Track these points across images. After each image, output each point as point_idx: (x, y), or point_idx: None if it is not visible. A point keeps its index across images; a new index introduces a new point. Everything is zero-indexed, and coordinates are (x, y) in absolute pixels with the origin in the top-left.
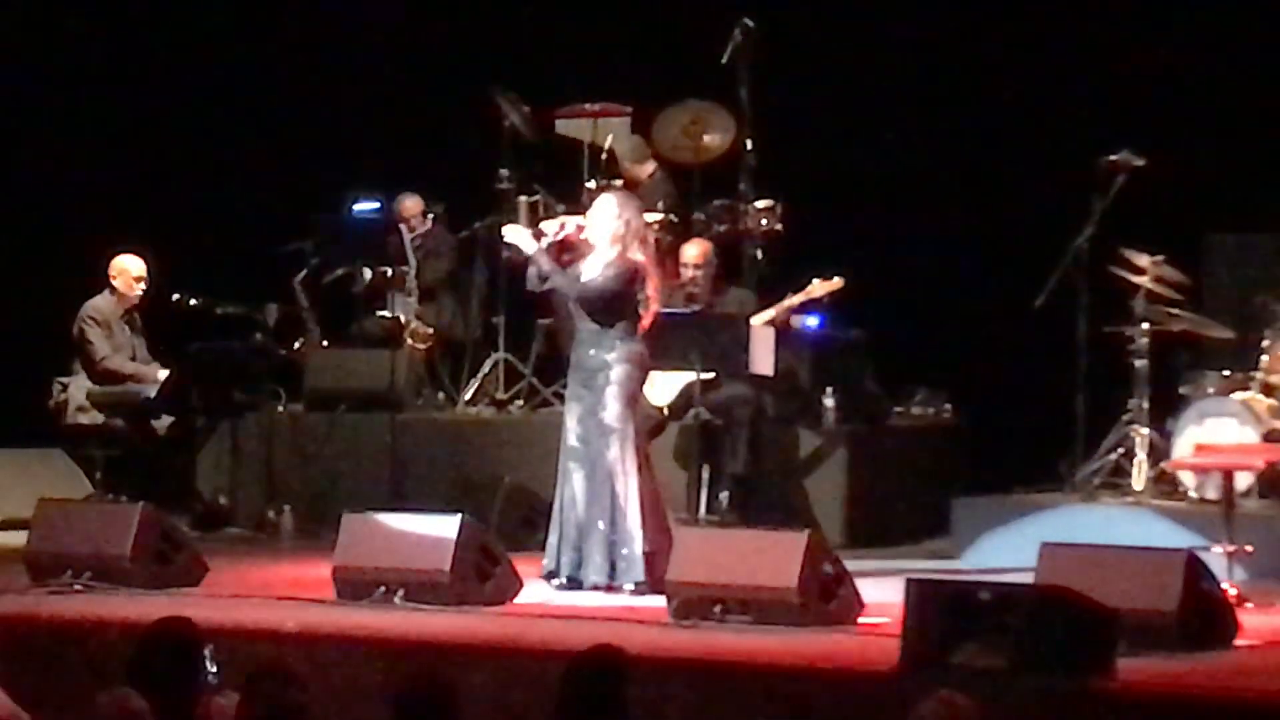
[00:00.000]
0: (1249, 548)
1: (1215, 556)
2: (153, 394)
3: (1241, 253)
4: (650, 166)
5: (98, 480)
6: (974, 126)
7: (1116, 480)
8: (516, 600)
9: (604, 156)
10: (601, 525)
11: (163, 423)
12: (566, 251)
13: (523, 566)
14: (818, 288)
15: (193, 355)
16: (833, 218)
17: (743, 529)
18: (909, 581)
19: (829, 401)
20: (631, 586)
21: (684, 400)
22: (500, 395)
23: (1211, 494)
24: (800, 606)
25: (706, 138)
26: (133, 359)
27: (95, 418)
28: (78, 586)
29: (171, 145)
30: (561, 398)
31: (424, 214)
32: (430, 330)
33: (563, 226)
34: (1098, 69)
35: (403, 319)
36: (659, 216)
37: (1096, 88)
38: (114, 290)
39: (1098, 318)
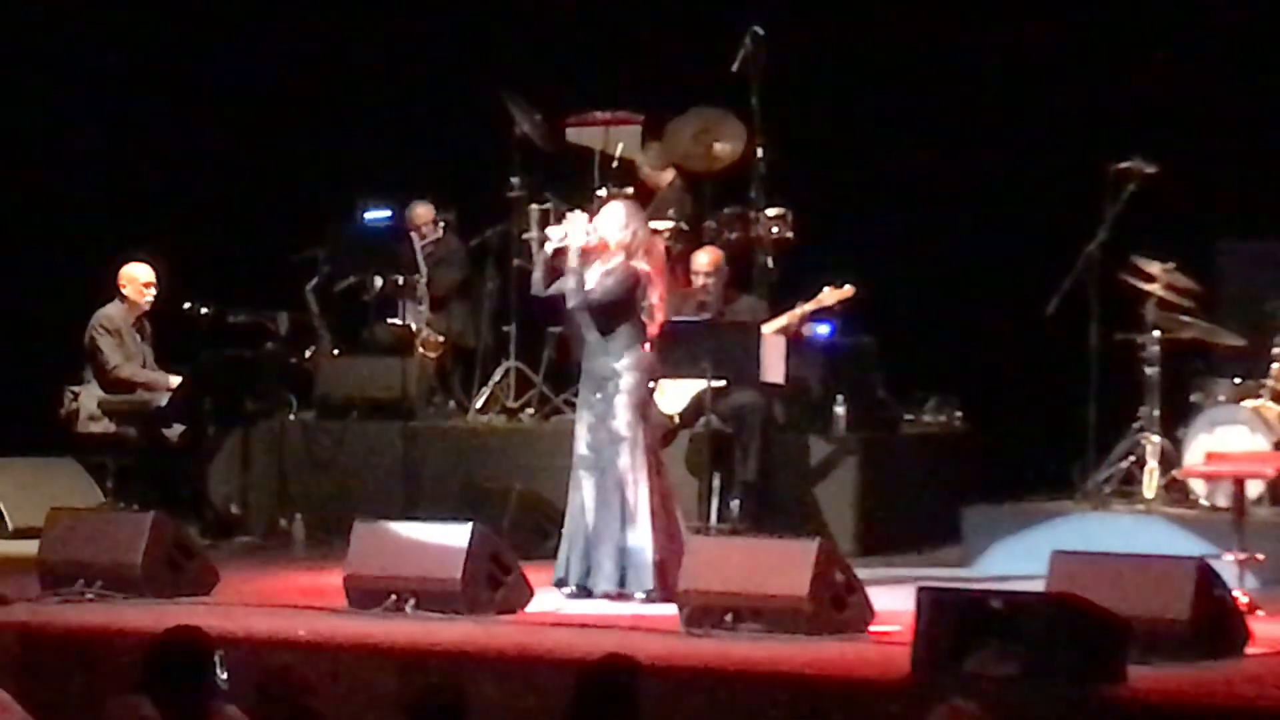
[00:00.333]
0: (1260, 555)
1: (1226, 564)
2: (164, 402)
3: (1253, 260)
4: (670, 174)
5: (109, 489)
6: (985, 134)
7: (1127, 488)
8: (528, 609)
9: (615, 164)
10: (612, 534)
11: (174, 431)
12: (584, 253)
13: (534, 575)
14: (829, 296)
15: (204, 363)
16: (843, 225)
17: (754, 537)
18: (920, 590)
19: (840, 409)
20: (642, 595)
21: (695, 408)
22: (511, 403)
23: (1222, 502)
24: (812, 615)
25: (717, 146)
26: (144, 367)
27: (107, 426)
28: (89, 595)
29: (183, 154)
30: (573, 406)
31: (435, 222)
32: (441, 338)
33: (566, 236)
34: (1109, 76)
35: (414, 327)
36: (670, 224)
37: (1108, 95)
38: (124, 299)
39: (1109, 325)
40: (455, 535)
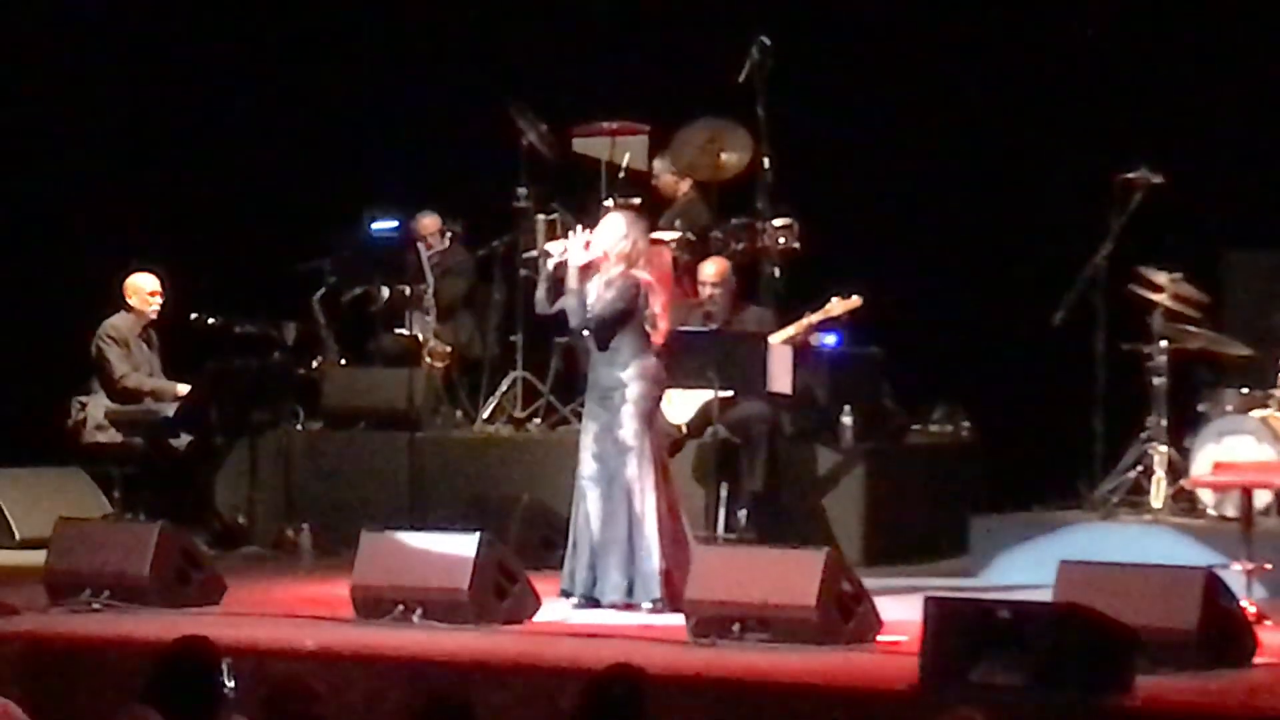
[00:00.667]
0: (1268, 565)
1: (1234, 574)
2: (171, 412)
3: (1260, 270)
4: (686, 183)
5: (116, 499)
6: (991, 144)
7: (1135, 498)
8: (535, 619)
9: (622, 174)
10: (619, 544)
11: (181, 441)
12: (584, 271)
13: (541, 585)
14: (836, 306)
15: (211, 374)
16: (850, 236)
17: (761, 547)
18: (928, 599)
19: (847, 419)
20: (649, 605)
21: (702, 418)
22: (518, 413)
23: (1230, 511)
24: (819, 625)
25: (724, 156)
26: (151, 377)
27: (114, 436)
28: (97, 605)
29: (189, 164)
30: (579, 416)
31: (442, 232)
32: (448, 348)
33: (588, 247)
34: (1115, 86)
35: (421, 337)
36: (676, 235)
37: (1114, 105)
38: (130, 309)
39: (1116, 335)
40: (462, 545)
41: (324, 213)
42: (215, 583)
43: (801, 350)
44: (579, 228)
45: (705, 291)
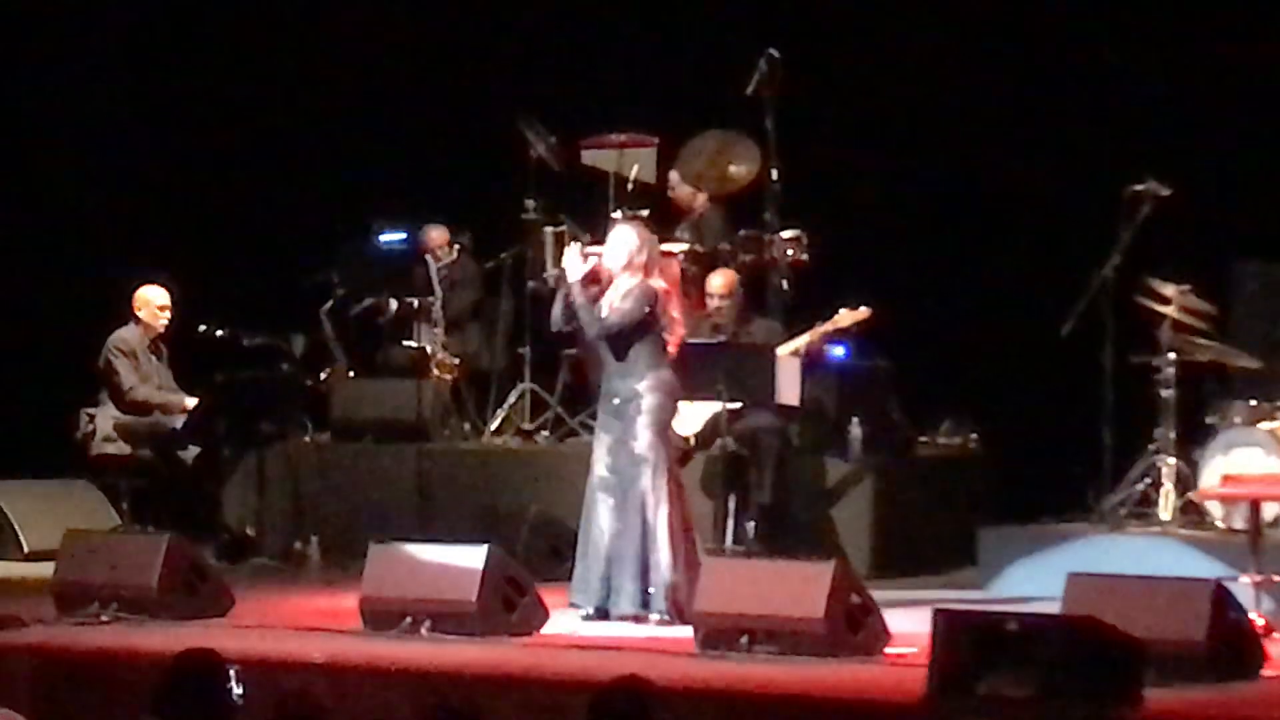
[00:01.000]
0: (1276, 577)
1: (1242, 586)
2: (179, 424)
3: (1268, 282)
4: (703, 196)
5: (124, 511)
6: (999, 156)
7: (1143, 510)
8: (543, 631)
9: (630, 186)
10: (632, 555)
11: (189, 453)
12: (593, 284)
13: (549, 597)
14: (844, 318)
15: (219, 386)
16: (858, 248)
17: (769, 559)
18: (936, 611)
19: (855, 431)
20: (657, 617)
21: (710, 430)
22: (526, 425)
23: (1238, 524)
24: (827, 637)
25: (732, 168)
26: (159, 389)
27: (122, 448)
28: (105, 618)
29: (197, 177)
30: (587, 428)
31: (450, 244)
32: (456, 360)
33: (585, 259)
34: (1123, 98)
35: (429, 349)
36: (685, 246)
37: (1122, 117)
38: (139, 321)
39: (1124, 347)
40: (470, 557)
41: (332, 225)
42: (223, 594)
43: (810, 362)
44: (579, 243)
45: (713, 303)
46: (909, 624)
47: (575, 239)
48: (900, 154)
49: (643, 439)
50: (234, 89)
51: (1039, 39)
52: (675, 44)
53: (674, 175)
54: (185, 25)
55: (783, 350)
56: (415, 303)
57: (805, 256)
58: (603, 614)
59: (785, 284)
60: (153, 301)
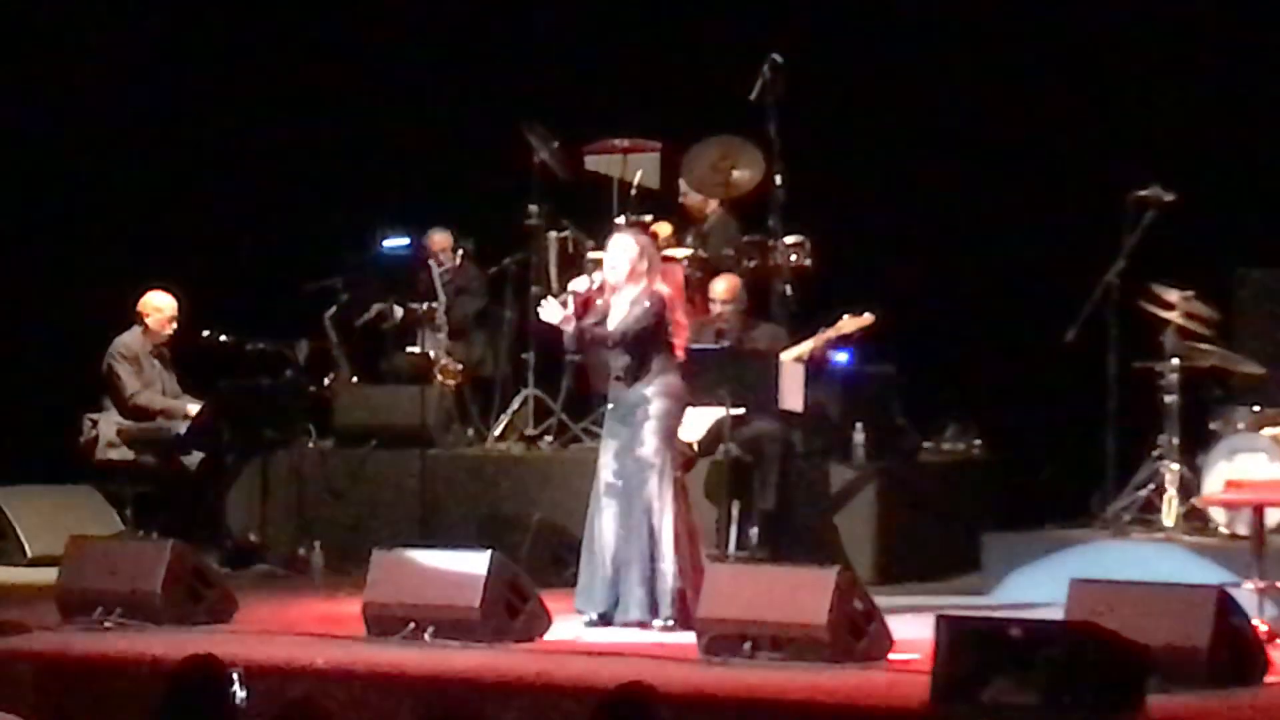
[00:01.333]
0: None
1: (1246, 593)
2: (183, 430)
3: (1272, 288)
4: (715, 202)
5: (128, 517)
6: (1004, 161)
7: (1147, 516)
8: (546, 637)
9: (634, 192)
10: (639, 561)
11: (193, 459)
12: (589, 308)
13: (552, 603)
14: (848, 324)
15: (223, 392)
16: (862, 253)
17: (773, 565)
18: (939, 618)
19: (859, 437)
20: (661, 623)
21: (714, 436)
22: (530, 431)
23: (1242, 530)
24: (830, 643)
25: (735, 173)
26: (163, 395)
27: (125, 454)
28: (108, 624)
29: (202, 182)
30: (591, 434)
31: (453, 249)
32: (460, 366)
33: (592, 283)
34: (1127, 104)
35: (432, 355)
36: (689, 252)
37: (1126, 123)
38: (144, 327)
39: (1128, 353)
40: (474, 563)
41: (336, 231)
42: (227, 601)
43: (814, 368)
44: (551, 298)
45: (716, 309)
46: (912, 630)
47: (579, 244)
48: (904, 159)
49: (650, 444)
50: (238, 95)
51: (1043, 45)
52: (679, 49)
53: (683, 182)
54: (190, 32)
55: (786, 356)
56: (421, 308)
57: (809, 262)
58: (606, 620)
59: (789, 289)
60: (160, 308)
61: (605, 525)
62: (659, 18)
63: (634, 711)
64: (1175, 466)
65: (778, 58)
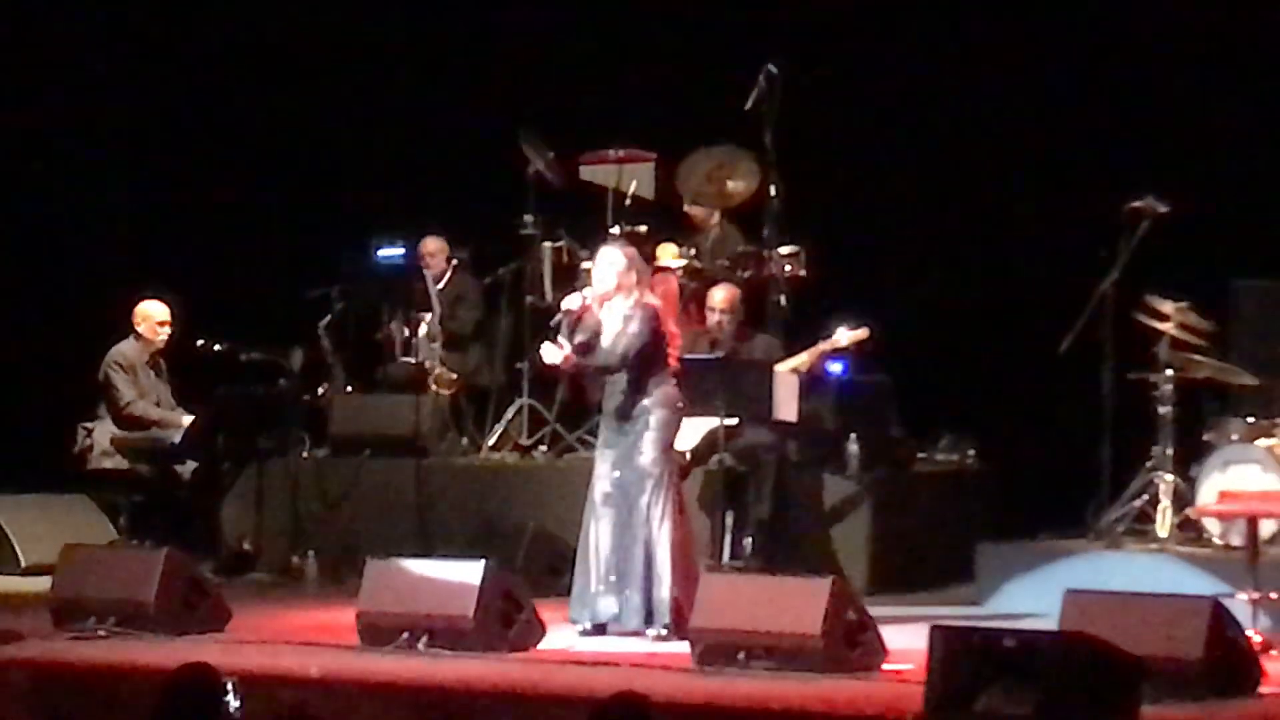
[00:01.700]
0: (1274, 595)
1: (1240, 604)
2: (177, 439)
3: (1266, 299)
4: (718, 212)
5: (122, 525)
6: (998, 172)
7: (1141, 527)
8: (540, 646)
9: (628, 202)
10: (636, 571)
11: (187, 468)
12: (581, 323)
13: (547, 612)
14: (844, 338)
15: (217, 400)
16: (857, 263)
17: (767, 575)
18: (933, 628)
19: (853, 447)
20: (655, 632)
21: (708, 446)
22: (524, 441)
23: (1236, 541)
24: (824, 653)
25: (730, 184)
26: (158, 404)
27: (120, 463)
28: (102, 632)
29: (196, 191)
30: (585, 443)
31: (447, 258)
32: (455, 376)
33: (585, 299)
34: (1123, 115)
35: (427, 364)
36: (683, 262)
37: (1121, 133)
38: (139, 335)
39: (1122, 364)
40: (468, 573)
41: (331, 240)
42: (221, 609)
43: (808, 378)
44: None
45: (714, 318)
46: (906, 640)
47: (574, 254)
48: (899, 170)
49: (648, 454)
50: (234, 104)
51: (1037, 55)
52: (674, 60)
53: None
54: (185, 39)
55: (784, 367)
56: (417, 319)
57: (804, 272)
58: (600, 629)
59: (784, 300)
60: (153, 316)
61: (601, 534)
62: (654, 28)
63: None
64: (1169, 477)
65: (773, 68)
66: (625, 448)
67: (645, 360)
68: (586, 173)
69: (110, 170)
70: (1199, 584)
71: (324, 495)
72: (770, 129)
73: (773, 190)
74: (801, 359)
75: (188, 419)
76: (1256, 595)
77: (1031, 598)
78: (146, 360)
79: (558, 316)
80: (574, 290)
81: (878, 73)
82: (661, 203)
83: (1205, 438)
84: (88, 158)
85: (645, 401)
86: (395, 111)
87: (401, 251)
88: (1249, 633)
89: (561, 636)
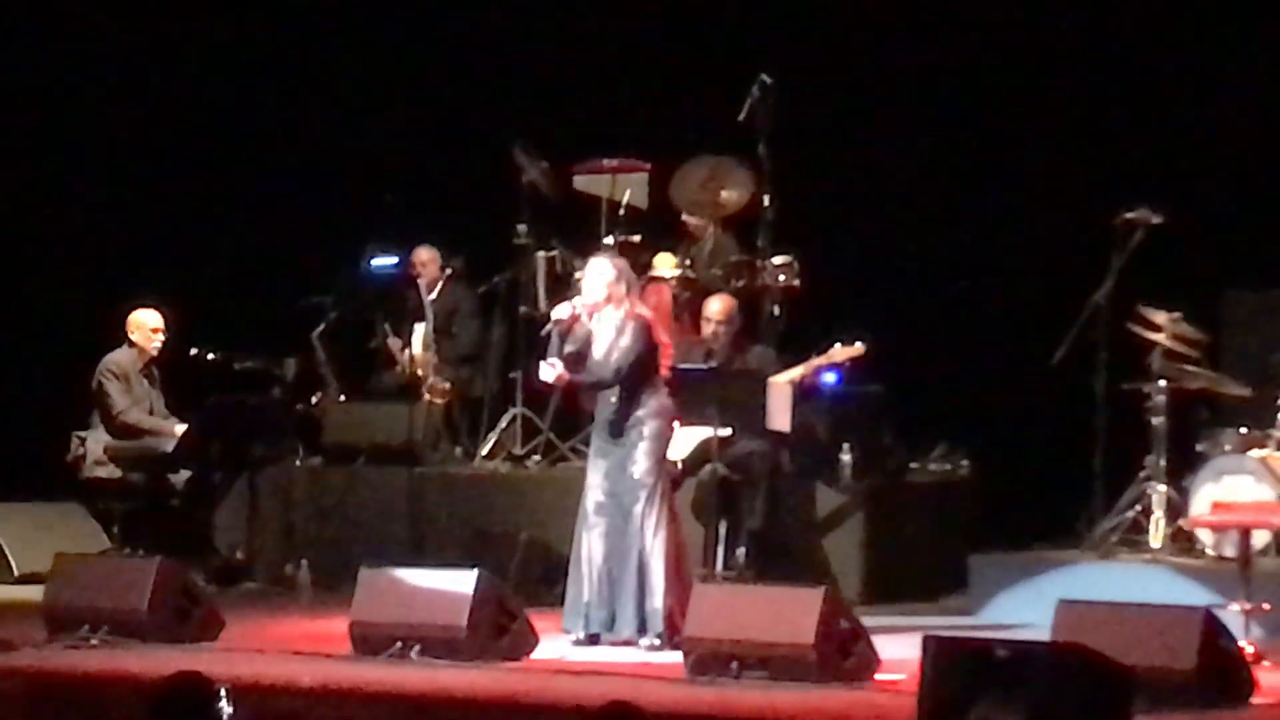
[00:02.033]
0: (1266, 605)
1: (1232, 614)
2: (170, 448)
3: (1259, 310)
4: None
5: (115, 534)
6: (992, 183)
7: (1134, 537)
8: (533, 656)
9: (622, 212)
10: (630, 581)
11: (180, 477)
12: (570, 334)
13: (539, 622)
14: (839, 353)
15: (211, 409)
16: (851, 273)
17: (759, 585)
18: (926, 638)
19: (846, 457)
20: (648, 642)
21: (701, 455)
22: (518, 450)
23: (1229, 551)
24: (817, 663)
25: (724, 193)
26: (151, 413)
27: (113, 471)
28: (95, 641)
29: (190, 200)
30: (579, 453)
31: (440, 268)
32: (448, 385)
33: (574, 309)
34: (1116, 126)
35: (421, 373)
36: (676, 273)
37: (1115, 144)
38: (133, 344)
39: (1116, 375)
40: (461, 582)
41: (324, 249)
42: (213, 618)
43: (802, 388)
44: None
45: (709, 328)
46: (899, 650)
47: (567, 263)
48: (892, 180)
49: (642, 464)
50: (228, 113)
51: (1030, 66)
52: (668, 69)
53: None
54: (179, 48)
55: (780, 379)
56: (410, 329)
57: (797, 282)
58: (593, 639)
59: (777, 310)
60: (146, 324)
61: (594, 544)
62: (648, 38)
63: None
64: (1162, 488)
65: (767, 78)
66: (618, 458)
67: (638, 372)
68: (580, 182)
69: (104, 179)
70: (1192, 595)
71: (317, 504)
72: (764, 139)
73: (766, 200)
74: (796, 372)
75: (181, 428)
76: (1249, 606)
77: (1024, 608)
78: (140, 369)
79: (547, 327)
80: (566, 300)
81: (871, 82)
82: (655, 212)
83: (1198, 448)
84: (80, 166)
85: (639, 412)
86: (389, 121)
87: (395, 261)
88: (1241, 643)
89: (554, 646)
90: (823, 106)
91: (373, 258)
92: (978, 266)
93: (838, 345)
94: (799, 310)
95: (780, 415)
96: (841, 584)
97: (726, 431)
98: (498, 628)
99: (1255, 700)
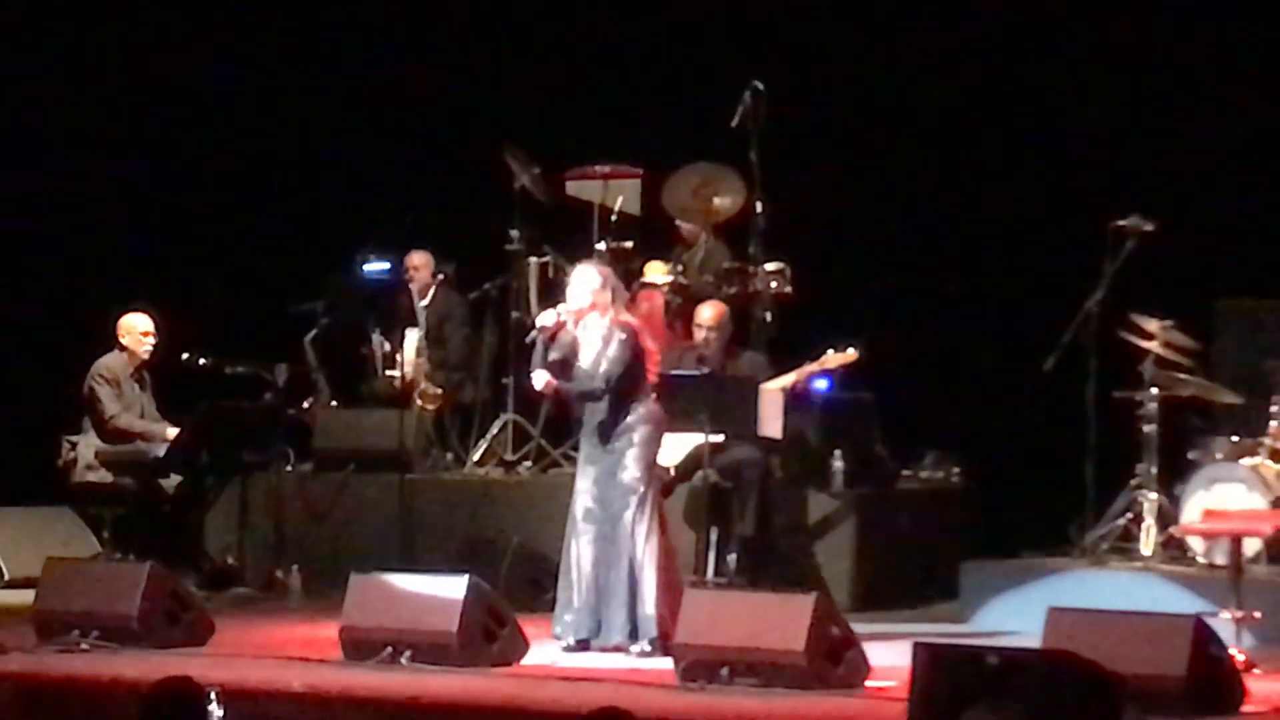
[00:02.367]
0: (1257, 613)
1: (1223, 622)
2: (161, 453)
3: (1251, 318)
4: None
5: (106, 539)
6: (984, 190)
7: (1125, 545)
8: (523, 662)
9: (614, 218)
10: (620, 588)
11: (171, 482)
12: (555, 341)
13: (530, 627)
14: (832, 359)
15: (202, 414)
16: (842, 280)
17: (750, 591)
18: (917, 645)
19: (838, 464)
20: (639, 648)
21: (692, 462)
22: (509, 456)
23: (1220, 559)
24: (808, 669)
25: (716, 200)
26: (142, 417)
27: (104, 476)
28: (85, 645)
29: (182, 205)
30: (569, 459)
31: (432, 272)
32: (439, 391)
33: (559, 315)
34: (1108, 133)
35: (412, 379)
36: (668, 279)
37: (1107, 152)
38: (123, 348)
39: (1107, 382)
40: (451, 587)
41: (316, 255)
42: (204, 623)
43: (793, 395)
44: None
45: (701, 335)
46: (890, 657)
47: (560, 269)
48: (884, 187)
49: (632, 470)
50: (219, 118)
51: (1024, 74)
52: (660, 76)
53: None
54: (172, 53)
55: (772, 386)
56: (402, 335)
57: (789, 289)
58: (584, 645)
59: (769, 316)
60: (136, 329)
61: (583, 551)
62: (641, 44)
63: None
64: (1153, 495)
65: (758, 85)
66: (608, 464)
67: (627, 379)
68: (573, 188)
69: (95, 183)
70: (1183, 602)
71: (308, 510)
72: (756, 145)
73: (758, 207)
74: (788, 379)
75: (172, 432)
76: (1240, 614)
77: (1015, 615)
78: (131, 373)
79: (532, 334)
80: (553, 307)
81: (863, 89)
82: (647, 219)
83: (1190, 456)
84: (72, 172)
85: (628, 419)
86: (382, 126)
87: (387, 266)
88: (1232, 651)
89: (545, 652)
90: (815, 113)
91: (364, 263)
92: (970, 274)
93: (830, 352)
94: (791, 317)
95: (772, 422)
96: (833, 591)
97: (718, 438)
98: (488, 633)
99: (1246, 709)
